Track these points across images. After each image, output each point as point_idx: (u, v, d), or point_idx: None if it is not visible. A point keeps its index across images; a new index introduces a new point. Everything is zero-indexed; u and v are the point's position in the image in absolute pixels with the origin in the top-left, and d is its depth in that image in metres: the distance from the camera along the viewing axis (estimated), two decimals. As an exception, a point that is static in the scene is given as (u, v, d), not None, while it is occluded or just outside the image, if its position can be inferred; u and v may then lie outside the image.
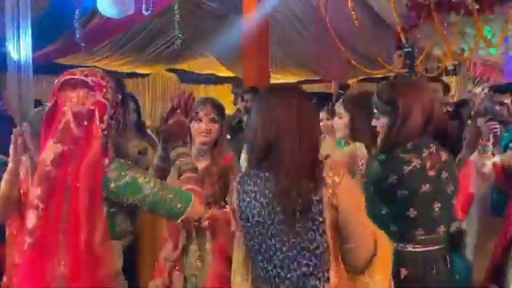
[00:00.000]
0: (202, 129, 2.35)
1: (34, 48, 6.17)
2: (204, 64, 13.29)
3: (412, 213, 1.81)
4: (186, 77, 14.39)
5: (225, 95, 12.92)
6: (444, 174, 1.86)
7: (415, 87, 1.93)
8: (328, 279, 1.46)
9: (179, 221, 1.64)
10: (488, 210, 2.89)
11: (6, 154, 1.67)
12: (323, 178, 1.45)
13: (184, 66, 13.38)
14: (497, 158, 2.69)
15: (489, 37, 7.07)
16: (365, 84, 12.73)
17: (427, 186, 1.82)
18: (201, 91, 15.71)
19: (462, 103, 6.72)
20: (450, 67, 8.53)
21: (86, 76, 1.59)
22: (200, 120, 2.36)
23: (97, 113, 1.54)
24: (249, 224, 1.52)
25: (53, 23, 7.47)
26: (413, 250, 1.82)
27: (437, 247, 1.85)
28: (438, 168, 1.85)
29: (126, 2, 5.67)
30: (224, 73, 13.53)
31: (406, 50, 6.24)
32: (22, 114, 5.01)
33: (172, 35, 8.66)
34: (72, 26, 6.31)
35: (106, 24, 7.98)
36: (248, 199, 1.52)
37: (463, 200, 2.88)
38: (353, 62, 8.07)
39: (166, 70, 13.87)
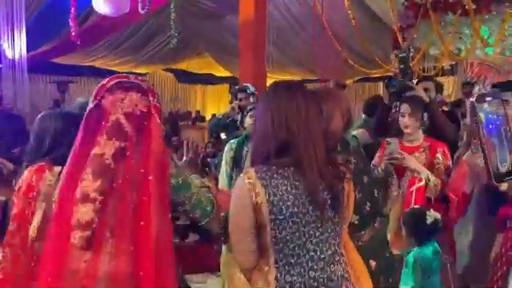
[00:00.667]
0: None
1: (30, 47, 6.15)
2: (201, 64, 13.28)
3: None
4: (183, 76, 14.39)
5: (222, 95, 12.93)
6: None
7: (335, 96, 2.18)
8: (342, 253, 1.69)
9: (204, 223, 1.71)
10: (484, 210, 2.88)
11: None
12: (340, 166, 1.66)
13: (181, 65, 13.37)
14: None
15: (486, 37, 7.07)
16: (362, 84, 12.74)
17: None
18: (198, 91, 15.71)
19: (457, 103, 6.75)
20: (447, 67, 8.53)
21: (142, 81, 1.68)
22: None
23: (155, 114, 1.61)
24: (281, 216, 1.59)
25: (48, 22, 7.46)
26: None
27: None
28: None
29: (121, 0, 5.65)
30: (221, 73, 13.52)
31: (400, 55, 6.23)
32: (17, 113, 4.98)
33: (169, 34, 8.65)
34: (68, 24, 6.28)
35: (102, 23, 7.97)
36: (280, 193, 1.59)
37: (458, 200, 2.86)
38: (350, 61, 8.05)
39: (163, 70, 13.86)
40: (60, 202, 1.56)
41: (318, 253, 1.63)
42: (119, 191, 1.51)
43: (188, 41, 11.01)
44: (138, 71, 12.75)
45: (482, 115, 0.98)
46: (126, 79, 1.63)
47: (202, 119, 12.72)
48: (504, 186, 1.01)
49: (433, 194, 2.98)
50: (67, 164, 1.59)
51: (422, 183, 2.94)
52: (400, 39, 7.28)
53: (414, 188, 2.96)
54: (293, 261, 1.62)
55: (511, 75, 6.99)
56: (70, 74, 11.18)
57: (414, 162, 2.94)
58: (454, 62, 8.46)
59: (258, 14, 6.08)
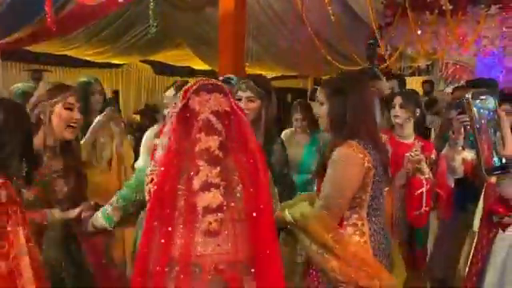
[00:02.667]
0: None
1: (3, 34, 5.99)
2: (179, 56, 13.15)
3: None
4: (160, 68, 14.23)
5: (200, 88, 12.83)
6: None
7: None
8: None
9: None
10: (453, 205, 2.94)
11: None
12: None
13: (159, 57, 13.22)
14: (467, 155, 2.72)
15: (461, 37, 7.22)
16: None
17: None
18: (176, 84, 15.58)
19: (431, 102, 6.92)
20: (423, 67, 8.66)
21: (221, 83, 1.83)
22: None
23: (240, 112, 1.75)
24: (378, 178, 2.07)
25: (23, 8, 7.27)
26: None
27: None
28: None
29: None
30: (200, 66, 13.42)
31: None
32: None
33: (148, 25, 8.54)
34: (43, 11, 6.14)
35: (80, 11, 7.81)
36: (376, 160, 2.06)
37: (444, 195, 2.92)
38: (329, 57, 8.09)
39: (141, 61, 13.69)
40: (164, 200, 1.61)
41: (382, 207, 2.16)
42: (236, 178, 1.65)
43: (166, 32, 10.87)
44: (114, 61, 12.56)
45: (475, 110, 1.03)
46: (208, 82, 1.76)
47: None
48: (493, 179, 1.06)
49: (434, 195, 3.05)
50: (162, 163, 1.67)
51: (429, 185, 2.99)
52: (378, 37, 7.36)
53: (423, 190, 2.99)
54: (377, 214, 2.10)
55: (486, 75, 7.13)
56: (44, 63, 10.95)
57: (425, 165, 2.99)
58: (429, 62, 8.59)
59: (238, 8, 6.05)
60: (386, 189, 2.99)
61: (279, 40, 9.64)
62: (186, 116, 1.69)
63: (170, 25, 10.56)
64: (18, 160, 1.79)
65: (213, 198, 1.59)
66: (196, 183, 1.60)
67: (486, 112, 1.08)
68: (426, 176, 2.99)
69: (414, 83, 9.46)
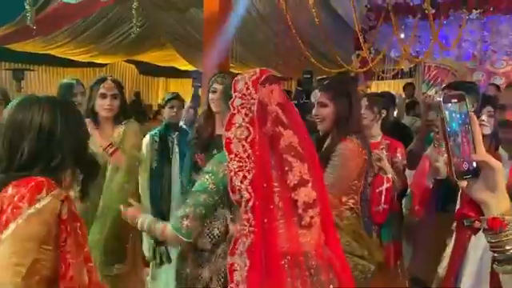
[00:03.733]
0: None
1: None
2: (164, 56, 13.10)
3: None
4: (145, 68, 14.15)
5: (185, 89, 12.80)
6: None
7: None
8: None
9: None
10: (434, 205, 2.97)
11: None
12: None
13: (143, 57, 13.15)
14: None
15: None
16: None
17: None
18: (160, 84, 15.51)
19: (412, 104, 7.01)
20: (406, 70, 8.75)
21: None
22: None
23: (291, 102, 1.82)
24: (367, 169, 2.53)
25: (4, 5, 7.18)
26: None
27: None
28: None
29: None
30: (185, 66, 13.39)
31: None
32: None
33: (131, 25, 8.50)
34: (25, 9, 6.08)
35: (63, 9, 7.74)
36: (367, 155, 2.44)
37: (420, 194, 2.95)
38: (312, 60, 8.13)
39: (125, 61, 13.60)
40: (267, 196, 1.60)
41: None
42: (314, 171, 1.74)
43: (151, 32, 10.83)
44: (98, 61, 12.46)
45: (446, 113, 1.03)
46: (270, 73, 1.74)
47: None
48: (463, 184, 1.06)
49: (396, 192, 3.11)
50: (254, 159, 1.60)
51: (390, 183, 3.06)
52: (361, 40, 7.42)
53: (383, 188, 3.07)
54: (366, 199, 2.49)
55: (467, 79, 7.23)
56: (27, 62, 10.82)
57: (387, 163, 3.07)
58: (412, 65, 8.69)
59: (223, 8, 6.06)
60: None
61: (263, 42, 9.66)
62: (259, 108, 1.65)
63: (154, 25, 10.52)
64: (73, 169, 1.56)
65: (310, 192, 1.67)
66: (292, 179, 1.65)
67: (458, 115, 1.08)
68: (388, 175, 3.06)
69: (397, 86, 9.57)
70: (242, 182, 1.59)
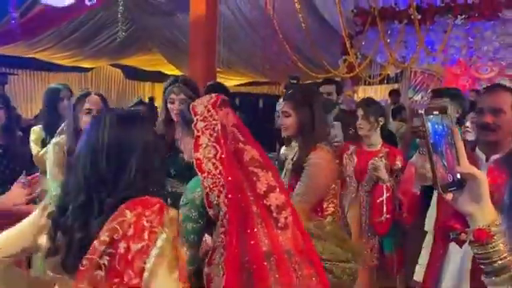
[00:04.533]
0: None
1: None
2: (150, 61, 13.04)
3: None
4: (131, 73, 14.07)
5: (171, 93, 12.71)
6: None
7: None
8: None
9: None
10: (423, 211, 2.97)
11: None
12: None
13: (129, 61, 13.07)
14: None
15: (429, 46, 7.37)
16: (311, 88, 12.93)
17: None
18: (146, 88, 15.43)
19: (398, 109, 7.05)
20: (392, 75, 8.80)
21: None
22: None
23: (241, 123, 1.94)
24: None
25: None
26: None
27: None
28: None
29: (66, -10, 5.46)
30: (171, 71, 13.33)
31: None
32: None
33: (117, 29, 8.44)
34: (9, 13, 5.99)
35: (48, 13, 7.66)
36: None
37: (408, 201, 2.95)
38: (299, 64, 8.14)
39: (111, 65, 13.51)
40: (242, 207, 1.69)
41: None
42: (278, 179, 1.86)
43: (137, 36, 10.78)
44: (83, 65, 12.36)
45: (429, 125, 1.02)
46: (222, 97, 1.85)
47: (150, 117, 12.46)
48: (449, 196, 1.04)
49: (396, 202, 3.10)
50: (227, 174, 1.71)
51: (390, 192, 3.04)
52: (348, 45, 7.44)
53: (383, 198, 3.05)
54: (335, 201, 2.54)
55: (453, 84, 7.29)
56: (10, 66, 10.68)
57: (384, 172, 3.05)
58: (398, 70, 8.74)
59: (210, 13, 6.03)
60: (353, 195, 3.11)
61: (250, 46, 9.65)
62: (221, 127, 1.79)
63: (140, 29, 10.47)
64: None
65: (279, 196, 1.76)
66: (261, 187, 1.73)
67: (441, 127, 1.07)
68: (387, 184, 3.05)
69: (384, 91, 9.63)
70: (218, 197, 1.69)
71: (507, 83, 4.39)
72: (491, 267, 1.04)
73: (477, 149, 2.13)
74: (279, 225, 1.73)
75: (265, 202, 1.73)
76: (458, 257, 2.07)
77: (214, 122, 1.77)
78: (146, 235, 1.25)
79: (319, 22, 8.52)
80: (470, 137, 2.93)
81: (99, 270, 1.22)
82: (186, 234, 1.83)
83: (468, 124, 2.98)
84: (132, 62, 13.07)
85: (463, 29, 7.47)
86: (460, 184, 1.06)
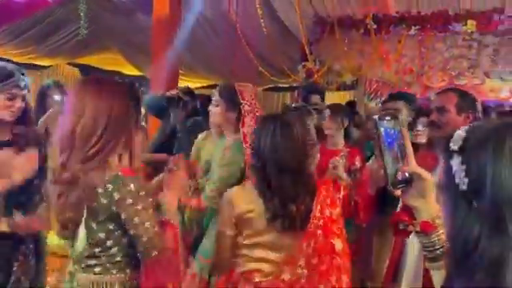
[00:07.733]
0: None
1: None
2: (109, 60, 12.84)
3: None
4: (88, 72, 13.80)
5: (130, 94, 12.56)
6: None
7: None
8: None
9: None
10: (378, 210, 3.13)
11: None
12: None
13: (87, 60, 12.83)
14: None
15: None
16: (270, 93, 13.09)
17: None
18: (104, 88, 15.15)
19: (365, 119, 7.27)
20: (349, 82, 9.07)
21: None
22: None
23: None
24: None
25: None
26: None
27: None
28: None
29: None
30: (130, 71, 13.18)
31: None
32: None
33: (77, 27, 8.31)
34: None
35: (4, 8, 7.47)
36: None
37: (365, 203, 3.10)
38: (261, 69, 8.26)
39: (68, 64, 13.22)
40: None
41: None
42: None
43: (95, 35, 10.59)
44: (39, 63, 12.04)
45: (382, 130, 1.18)
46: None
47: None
48: (398, 192, 1.18)
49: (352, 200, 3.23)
50: None
51: (346, 191, 3.17)
52: (307, 52, 7.64)
53: (340, 195, 3.17)
54: None
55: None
56: (-39, 61, 10.29)
57: (342, 171, 3.18)
58: (355, 78, 9.00)
59: (173, 15, 6.05)
60: None
61: (212, 50, 9.70)
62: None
63: (99, 28, 10.31)
64: None
65: None
66: None
67: (393, 131, 1.22)
68: (344, 182, 3.19)
69: (340, 98, 9.88)
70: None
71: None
72: (434, 254, 1.19)
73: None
74: None
75: None
76: (415, 255, 2.22)
77: (255, 109, 2.46)
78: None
79: (280, 28, 8.68)
80: (422, 139, 3.11)
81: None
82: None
83: (420, 127, 3.17)
84: (91, 61, 12.83)
85: (416, 39, 7.83)
86: (408, 181, 1.21)
